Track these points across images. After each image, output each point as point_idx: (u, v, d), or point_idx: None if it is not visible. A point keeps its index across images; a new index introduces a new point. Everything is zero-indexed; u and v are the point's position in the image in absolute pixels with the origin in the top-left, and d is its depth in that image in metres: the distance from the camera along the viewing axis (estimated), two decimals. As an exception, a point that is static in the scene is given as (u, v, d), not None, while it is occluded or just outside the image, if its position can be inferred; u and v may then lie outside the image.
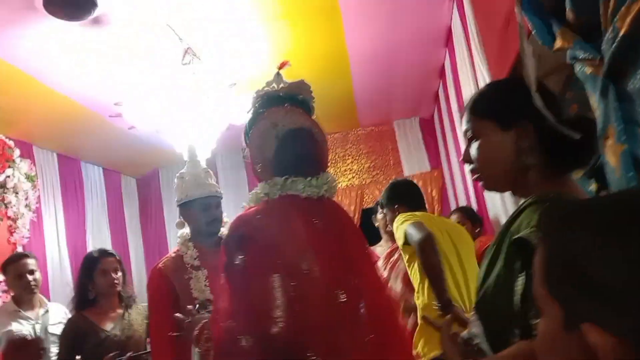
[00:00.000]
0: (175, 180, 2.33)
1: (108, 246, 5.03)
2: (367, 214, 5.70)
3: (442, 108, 4.73)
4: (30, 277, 2.97)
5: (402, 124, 5.73)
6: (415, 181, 5.51)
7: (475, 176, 1.11)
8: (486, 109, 1.07)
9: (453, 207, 5.11)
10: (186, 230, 2.29)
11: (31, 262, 3.02)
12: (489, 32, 2.58)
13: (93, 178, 5.39)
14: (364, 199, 5.69)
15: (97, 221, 5.28)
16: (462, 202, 4.51)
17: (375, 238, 6.27)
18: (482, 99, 1.10)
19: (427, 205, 5.37)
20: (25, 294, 2.98)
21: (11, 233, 3.90)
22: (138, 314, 2.73)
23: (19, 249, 3.87)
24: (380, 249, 3.18)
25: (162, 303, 2.13)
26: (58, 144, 4.72)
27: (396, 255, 2.94)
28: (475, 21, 2.70)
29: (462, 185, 4.40)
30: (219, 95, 3.29)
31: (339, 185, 5.77)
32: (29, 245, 4.09)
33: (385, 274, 2.93)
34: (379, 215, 3.15)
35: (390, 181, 5.41)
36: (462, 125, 1.13)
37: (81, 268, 2.74)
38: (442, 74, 4.42)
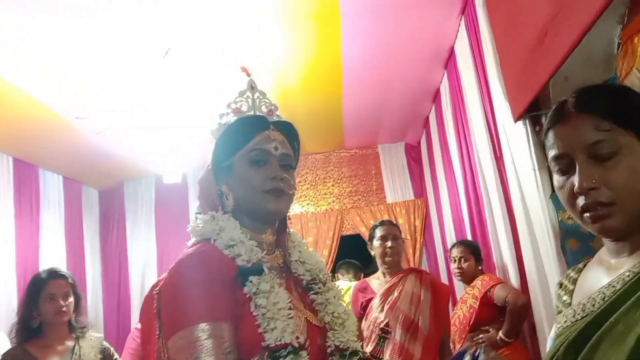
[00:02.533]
0: None
1: (62, 263, 4.57)
2: (345, 241, 5.42)
3: (432, 133, 4.51)
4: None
5: (387, 148, 5.50)
6: (398, 209, 5.33)
7: (604, 210, 0.77)
8: (631, 116, 0.79)
9: (437, 238, 4.87)
10: None
11: None
12: (509, 57, 2.36)
13: (52, 187, 4.93)
14: (344, 225, 5.39)
15: (52, 234, 4.79)
16: (449, 234, 4.26)
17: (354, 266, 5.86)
18: (621, 102, 0.80)
19: (409, 236, 5.21)
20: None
21: (-50, 244, 3.42)
22: (91, 347, 2.34)
23: (-42, 263, 3.40)
24: (376, 283, 2.74)
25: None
26: (15, 147, 4.28)
27: (395, 294, 2.55)
28: (493, 45, 2.49)
29: (450, 217, 4.14)
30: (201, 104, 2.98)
31: (319, 209, 5.48)
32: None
33: (381, 316, 2.49)
34: (376, 243, 2.70)
35: (371, 207, 5.21)
36: (581, 135, 0.79)
37: (27, 290, 2.34)
38: (436, 97, 4.22)
